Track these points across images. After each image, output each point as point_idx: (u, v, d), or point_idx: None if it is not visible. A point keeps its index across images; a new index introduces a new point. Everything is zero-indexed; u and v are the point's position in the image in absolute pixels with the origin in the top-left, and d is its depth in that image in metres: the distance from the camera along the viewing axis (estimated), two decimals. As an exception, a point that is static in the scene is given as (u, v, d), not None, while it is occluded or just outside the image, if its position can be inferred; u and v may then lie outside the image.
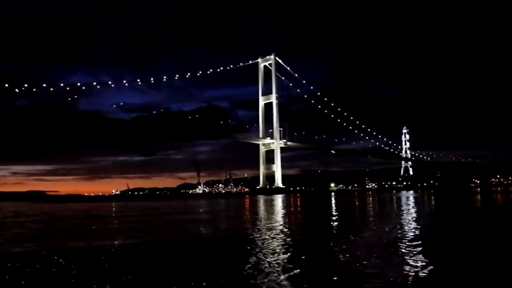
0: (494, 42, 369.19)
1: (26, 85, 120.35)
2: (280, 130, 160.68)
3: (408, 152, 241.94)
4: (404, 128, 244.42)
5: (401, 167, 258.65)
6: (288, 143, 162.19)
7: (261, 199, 79.98)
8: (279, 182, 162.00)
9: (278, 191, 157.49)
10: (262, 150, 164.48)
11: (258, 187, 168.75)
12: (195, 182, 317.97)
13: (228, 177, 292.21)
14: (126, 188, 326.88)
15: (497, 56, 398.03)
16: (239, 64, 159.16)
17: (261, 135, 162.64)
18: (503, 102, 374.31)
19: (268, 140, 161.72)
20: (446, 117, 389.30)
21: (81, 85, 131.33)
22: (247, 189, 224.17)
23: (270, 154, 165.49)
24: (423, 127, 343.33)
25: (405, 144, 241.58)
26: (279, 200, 72.16)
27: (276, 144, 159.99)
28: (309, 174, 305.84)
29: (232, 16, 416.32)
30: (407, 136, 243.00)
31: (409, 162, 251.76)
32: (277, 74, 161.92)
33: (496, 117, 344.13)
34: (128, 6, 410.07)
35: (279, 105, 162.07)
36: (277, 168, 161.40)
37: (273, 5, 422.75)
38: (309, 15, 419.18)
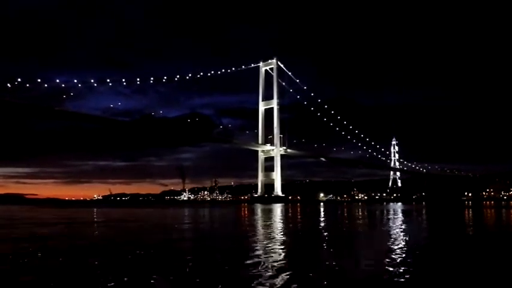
0: (485, 52, 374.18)
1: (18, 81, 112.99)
2: (280, 137, 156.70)
3: (397, 163, 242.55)
4: (394, 139, 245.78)
5: (388, 178, 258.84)
6: (288, 150, 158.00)
7: (259, 208, 73.94)
8: (278, 190, 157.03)
9: (277, 199, 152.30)
10: (261, 157, 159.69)
11: (255, 195, 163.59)
12: (177, 188, 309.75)
13: (213, 184, 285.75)
14: (109, 193, 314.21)
15: (488, 68, 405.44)
16: (241, 67, 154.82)
17: (260, 141, 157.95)
18: (496, 117, 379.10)
19: (268, 147, 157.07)
20: (437, 130, 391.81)
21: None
22: (246, 197, 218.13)
23: (266, 161, 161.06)
24: (413, 139, 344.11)
25: (394, 155, 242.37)
26: (278, 210, 65.41)
27: (276, 151, 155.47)
28: (294, 184, 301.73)
29: (225, 21, 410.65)
30: (397, 148, 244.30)
31: (398, 174, 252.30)
32: (279, 80, 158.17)
33: (488, 131, 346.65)
34: (116, 6, 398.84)
35: (279, 111, 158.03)
36: (277, 176, 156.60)
37: (265, 12, 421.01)
38: (299, 25, 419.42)
